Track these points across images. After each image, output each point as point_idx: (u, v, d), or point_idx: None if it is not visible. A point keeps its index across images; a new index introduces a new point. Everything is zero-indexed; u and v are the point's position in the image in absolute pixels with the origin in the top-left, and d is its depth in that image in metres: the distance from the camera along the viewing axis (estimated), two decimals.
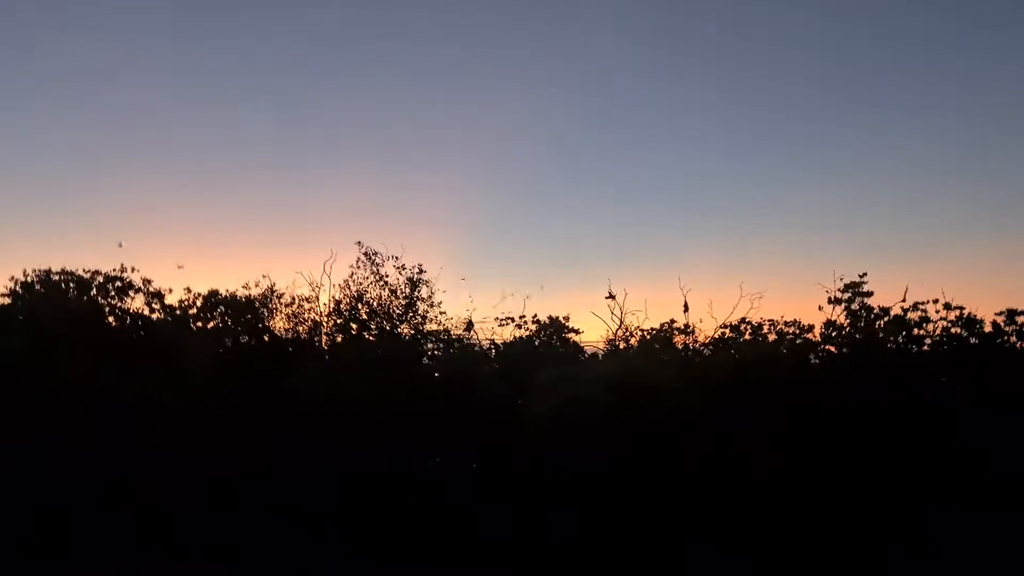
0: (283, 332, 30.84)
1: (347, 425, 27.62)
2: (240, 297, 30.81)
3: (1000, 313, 29.12)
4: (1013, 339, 28.77)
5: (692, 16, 71.65)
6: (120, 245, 31.36)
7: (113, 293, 30.49)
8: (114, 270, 30.76)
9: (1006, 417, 26.65)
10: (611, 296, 31.20)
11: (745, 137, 71.64)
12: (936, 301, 29.44)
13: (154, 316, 30.52)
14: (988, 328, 29.11)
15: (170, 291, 31.00)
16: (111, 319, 30.27)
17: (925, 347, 29.38)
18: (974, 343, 28.94)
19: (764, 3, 70.98)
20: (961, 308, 29.28)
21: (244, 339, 30.38)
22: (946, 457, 26.69)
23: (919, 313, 29.41)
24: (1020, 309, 28.78)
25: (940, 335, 29.34)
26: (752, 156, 71.57)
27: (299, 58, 70.78)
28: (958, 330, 29.24)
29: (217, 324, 30.46)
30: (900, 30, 68.83)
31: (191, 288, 31.10)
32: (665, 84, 72.71)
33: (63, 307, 29.34)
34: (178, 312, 30.64)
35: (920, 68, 68.63)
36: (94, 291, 30.43)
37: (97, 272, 30.72)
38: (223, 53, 69.19)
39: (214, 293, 30.85)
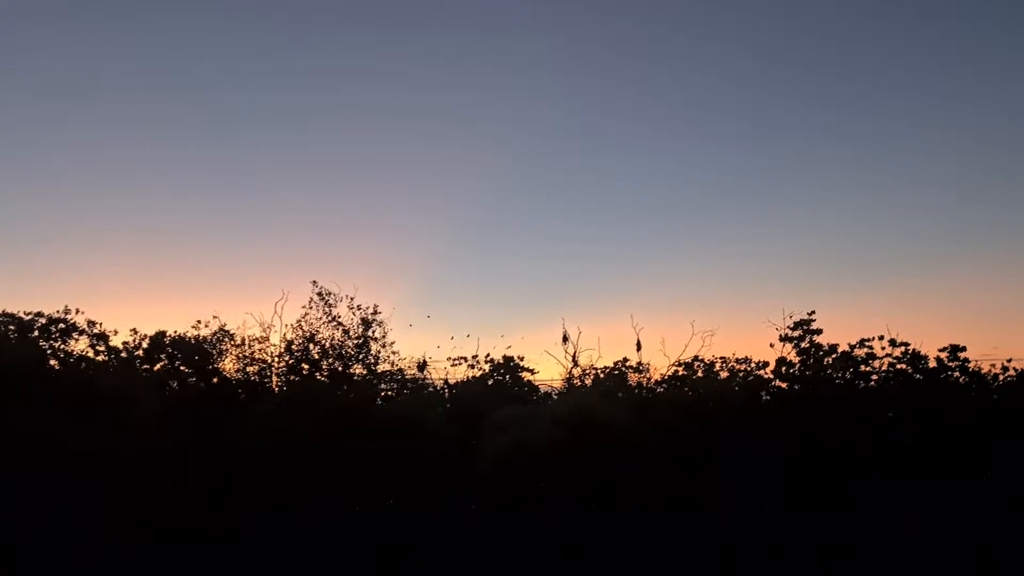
0: (233, 374, 31.18)
1: (298, 470, 27.87)
2: (189, 338, 31.12)
3: (943, 349, 30.87)
4: (957, 375, 30.42)
5: (640, 53, 74.92)
6: None
7: (56, 335, 30.71)
8: (57, 312, 31.07)
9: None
10: (565, 339, 32.21)
11: (693, 173, 76.99)
12: (882, 338, 31.03)
13: (99, 359, 30.75)
14: (932, 364, 30.72)
15: (115, 332, 31.31)
16: (54, 362, 30.43)
17: (872, 383, 30.86)
18: (919, 379, 30.50)
19: (705, 39, 74.12)
20: (906, 344, 30.91)
21: (192, 381, 30.62)
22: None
23: (865, 350, 30.95)
24: (962, 345, 30.67)
25: (886, 371, 30.87)
26: (700, 193, 77.49)
27: (250, 90, 72.14)
28: (903, 366, 30.82)
29: (165, 366, 30.68)
30: (836, 62, 72.47)
31: (137, 329, 31.46)
32: (616, 122, 76.44)
33: (3, 351, 29.38)
34: (124, 354, 30.86)
35: (869, 99, 72.63)
36: (36, 333, 30.62)
37: (39, 314, 30.96)
38: (171, 85, 70.16)
39: (161, 334, 31.06)
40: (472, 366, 32.29)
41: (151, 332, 31.26)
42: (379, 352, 31.72)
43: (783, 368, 31.05)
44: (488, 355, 32.46)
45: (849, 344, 30.92)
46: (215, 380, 30.63)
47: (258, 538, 27.40)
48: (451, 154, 74.55)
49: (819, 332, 31.12)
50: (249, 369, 31.13)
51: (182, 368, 30.67)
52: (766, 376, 31.21)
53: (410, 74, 73.20)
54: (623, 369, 32.00)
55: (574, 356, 32.12)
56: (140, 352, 30.93)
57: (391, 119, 75.11)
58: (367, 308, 31.91)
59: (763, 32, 74.67)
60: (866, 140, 71.97)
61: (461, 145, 74.31)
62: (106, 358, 30.70)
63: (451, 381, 32.08)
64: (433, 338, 38.68)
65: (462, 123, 74.00)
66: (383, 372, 31.59)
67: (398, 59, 73.29)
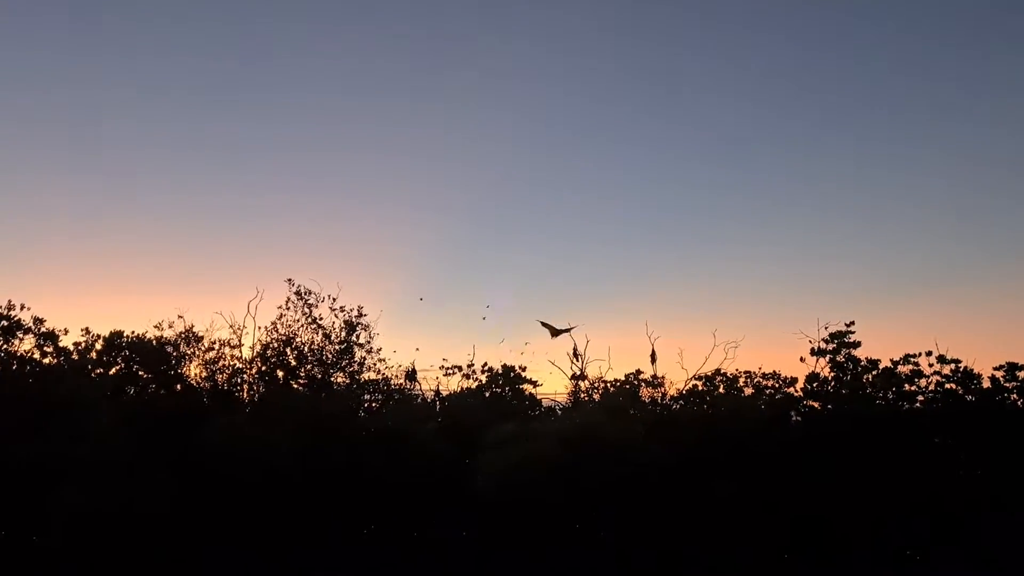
0: (199, 381, 29.45)
1: (271, 489, 26.31)
2: (149, 339, 29.23)
3: (1000, 367, 28.72)
4: (1015, 397, 28.31)
5: (654, 49, 71.14)
6: None
7: None
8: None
9: None
10: (576, 355, 30.84)
11: (718, 171, 69.95)
12: (929, 353, 29.12)
13: (47, 361, 28.64)
14: (987, 384, 28.69)
15: (65, 332, 29.10)
16: None
17: (917, 404, 28.96)
18: (971, 400, 28.50)
19: (747, 34, 70.39)
20: (957, 361, 28.86)
21: (153, 388, 28.91)
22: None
23: (910, 367, 29.02)
24: (1022, 363, 28.35)
25: (934, 391, 28.92)
26: (725, 192, 69.97)
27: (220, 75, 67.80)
28: (953, 385, 28.78)
29: (121, 371, 28.88)
30: (875, 67, 68.85)
31: (90, 328, 29.49)
32: (632, 114, 71.98)
33: None
34: (75, 356, 28.85)
35: (910, 103, 68.42)
36: None
37: None
38: (123, 74, 65.98)
39: (118, 334, 29.21)
40: (468, 376, 31.18)
41: (106, 332, 29.46)
42: (364, 359, 30.25)
43: (815, 385, 29.47)
44: (486, 364, 31.39)
45: (892, 360, 29.30)
46: (178, 387, 29.15)
47: (223, 563, 26.09)
48: (449, 139, 70.30)
49: (857, 345, 29.43)
50: (217, 376, 29.57)
51: (141, 373, 29.01)
52: (796, 394, 29.73)
53: (409, 61, 69.17)
54: (636, 383, 30.63)
55: (581, 367, 30.96)
56: (93, 354, 29.11)
57: (382, 101, 70.39)
58: (351, 310, 30.42)
59: (804, 31, 69.79)
60: (912, 138, 66.61)
61: (460, 130, 70.32)
62: (55, 360, 28.67)
63: (443, 392, 31.02)
64: (425, 344, 36.27)
65: (461, 107, 69.72)
66: (368, 381, 30.23)
67: (390, 51, 69.30)
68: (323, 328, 30.01)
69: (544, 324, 30.39)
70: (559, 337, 30.42)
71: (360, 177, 69.03)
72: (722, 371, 30.19)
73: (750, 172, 68.51)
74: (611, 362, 31.12)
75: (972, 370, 28.84)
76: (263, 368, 29.75)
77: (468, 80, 69.33)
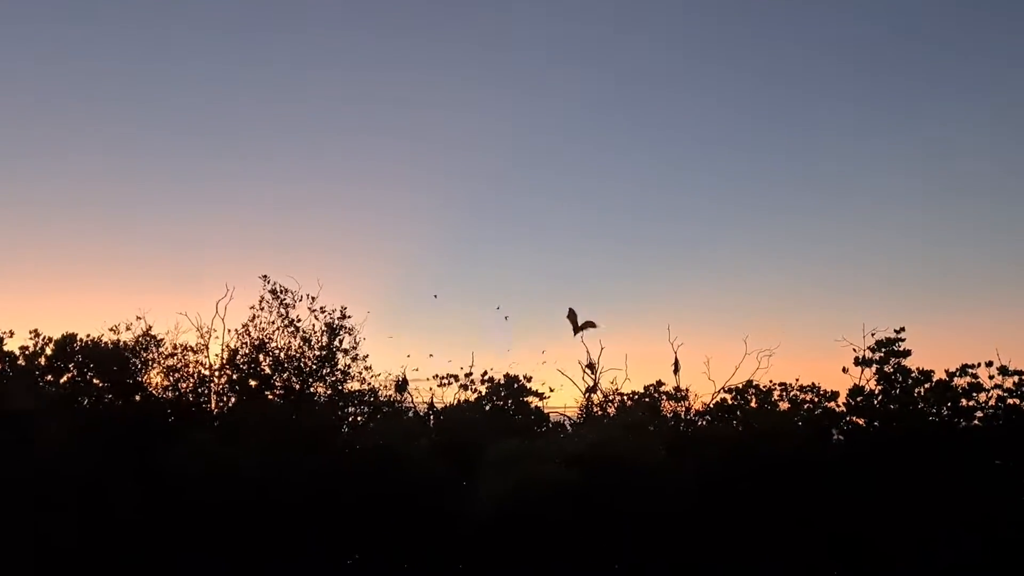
0: (161, 391, 27.93)
1: (241, 514, 24.85)
2: (105, 344, 27.64)
3: None
4: None
5: (694, 36, 67.03)
6: None
7: None
8: None
9: None
10: (592, 367, 29.08)
11: (750, 151, 64.68)
12: (990, 364, 27.16)
13: None
14: None
15: (11, 334, 27.80)
16: None
17: (975, 422, 27.14)
18: None
19: (777, 31, 66.95)
20: (1020, 373, 26.73)
21: (109, 398, 27.41)
22: None
23: (968, 379, 27.15)
24: None
25: (994, 407, 26.97)
26: (756, 181, 64.64)
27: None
28: (1016, 401, 26.75)
29: (74, 379, 27.39)
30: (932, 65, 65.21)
31: (39, 331, 27.93)
32: (651, 100, 67.53)
33: None
34: (22, 362, 27.46)
35: (960, 97, 64.63)
36: None
37: None
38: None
39: (70, 338, 27.65)
40: (465, 387, 29.62)
41: (56, 335, 27.94)
42: (348, 366, 28.36)
43: (859, 399, 27.67)
44: (486, 373, 29.56)
45: (947, 371, 27.49)
46: (137, 398, 27.69)
47: None
48: (448, 119, 65.06)
49: (908, 354, 27.70)
50: (182, 385, 28.08)
51: (96, 382, 27.56)
52: (837, 409, 28.06)
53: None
54: (656, 395, 29.07)
55: (594, 378, 29.36)
56: (42, 360, 27.70)
57: (369, 73, 64.98)
58: (333, 311, 28.51)
59: (849, 27, 65.24)
60: (977, 124, 62.63)
61: (460, 110, 65.37)
62: None
63: (438, 405, 29.48)
64: (417, 351, 34.32)
65: (462, 81, 64.86)
66: (352, 392, 28.49)
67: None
68: (301, 332, 28.16)
69: (573, 316, 28.86)
70: (579, 335, 29.04)
71: (344, 160, 63.86)
72: (754, 383, 28.68)
73: (789, 157, 63.50)
74: (628, 372, 29.61)
75: None
76: (233, 377, 28.10)
77: (470, 52, 65.15)
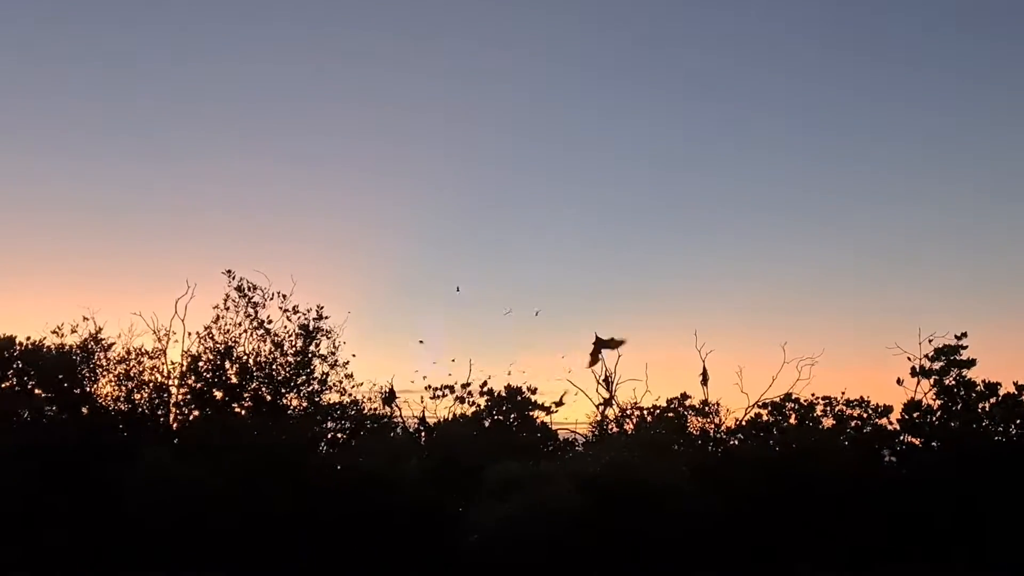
0: (112, 401, 26.33)
1: (203, 542, 23.44)
2: (48, 348, 26.22)
3: None
4: None
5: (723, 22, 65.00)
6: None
7: None
8: None
9: None
10: (608, 382, 27.41)
11: (789, 149, 61.64)
12: None
13: None
14: None
15: None
16: None
17: None
18: None
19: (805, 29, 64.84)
20: None
21: (52, 411, 25.83)
22: None
23: None
24: None
25: None
26: (795, 173, 60.75)
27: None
28: None
29: (12, 388, 25.92)
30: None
31: None
32: (683, 85, 64.81)
33: None
34: None
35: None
36: None
37: None
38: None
39: (8, 342, 26.17)
40: (462, 399, 27.79)
41: None
42: (325, 375, 26.82)
43: (915, 415, 26.12)
44: (485, 384, 28.12)
45: (1016, 384, 25.82)
46: (85, 410, 26.17)
47: None
48: (445, 99, 62.42)
49: (971, 364, 26.23)
50: (136, 396, 26.64)
51: (37, 392, 26.17)
52: (890, 426, 26.53)
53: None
54: (681, 410, 27.74)
55: (610, 390, 27.67)
56: None
57: (354, 50, 62.37)
58: (308, 311, 27.05)
59: (878, 25, 63.49)
60: None
61: (458, 90, 62.78)
62: None
63: (431, 420, 27.84)
64: (404, 358, 33.96)
65: (460, 61, 62.58)
66: (331, 404, 26.84)
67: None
68: (272, 334, 26.59)
69: (597, 348, 27.43)
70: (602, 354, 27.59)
71: (322, 143, 60.76)
72: (794, 396, 27.27)
73: (838, 142, 60.42)
74: (649, 383, 28.24)
75: None
76: (195, 386, 26.54)
77: (468, 34, 62.49)
